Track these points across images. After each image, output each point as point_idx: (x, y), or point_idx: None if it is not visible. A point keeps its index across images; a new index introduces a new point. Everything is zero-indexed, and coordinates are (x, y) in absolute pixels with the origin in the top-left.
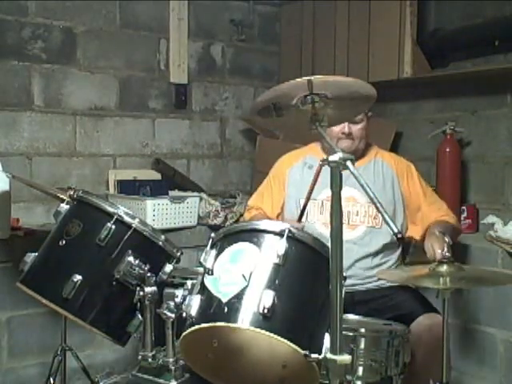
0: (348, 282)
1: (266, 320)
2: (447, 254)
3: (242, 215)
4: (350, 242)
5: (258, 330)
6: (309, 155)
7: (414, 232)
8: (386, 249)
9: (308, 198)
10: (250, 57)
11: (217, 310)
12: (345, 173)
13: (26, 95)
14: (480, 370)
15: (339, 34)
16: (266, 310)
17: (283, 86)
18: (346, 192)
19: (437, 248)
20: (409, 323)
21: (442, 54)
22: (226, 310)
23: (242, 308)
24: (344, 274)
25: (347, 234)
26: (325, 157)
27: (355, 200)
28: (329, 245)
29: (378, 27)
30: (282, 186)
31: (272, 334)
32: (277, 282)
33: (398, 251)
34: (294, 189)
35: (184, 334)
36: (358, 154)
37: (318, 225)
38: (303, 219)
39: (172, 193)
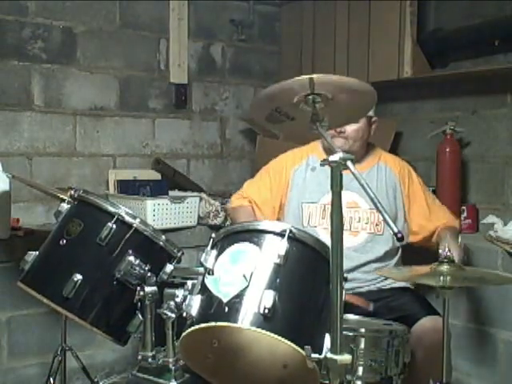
0: (347, 285)
1: (267, 320)
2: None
3: None
4: (350, 249)
5: (259, 330)
6: (311, 156)
7: (413, 239)
8: (386, 255)
9: None
10: (250, 57)
11: (217, 310)
12: (347, 177)
13: (25, 95)
14: (480, 369)
15: (339, 33)
16: (266, 310)
17: (283, 85)
18: (348, 197)
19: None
20: (410, 325)
21: (442, 54)
22: (226, 310)
23: (242, 308)
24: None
25: (349, 241)
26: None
27: (357, 205)
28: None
29: (377, 27)
30: (284, 186)
31: (273, 334)
32: (277, 282)
33: (398, 256)
34: (297, 192)
35: (184, 333)
36: (357, 157)
37: (320, 229)
38: (304, 223)
39: (172, 193)
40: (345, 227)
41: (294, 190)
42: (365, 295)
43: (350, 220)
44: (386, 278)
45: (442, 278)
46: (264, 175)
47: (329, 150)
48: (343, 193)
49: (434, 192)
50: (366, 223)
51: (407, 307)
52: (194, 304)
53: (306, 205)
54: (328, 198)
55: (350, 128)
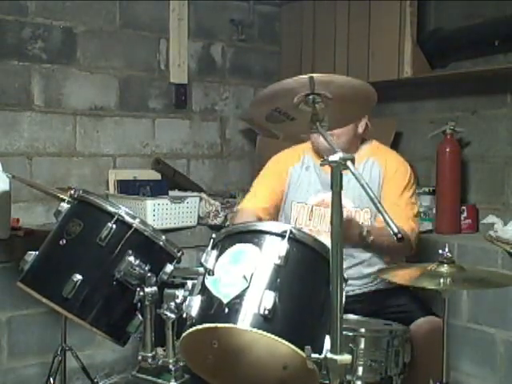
0: None
1: (267, 321)
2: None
3: None
4: None
5: (259, 331)
6: (306, 155)
7: None
8: (374, 257)
9: None
10: (250, 57)
11: (217, 310)
12: (345, 176)
13: (25, 95)
14: (480, 370)
15: (339, 33)
16: (266, 311)
17: (283, 85)
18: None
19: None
20: (407, 326)
21: (442, 54)
22: (226, 310)
23: (242, 309)
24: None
25: None
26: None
27: (343, 206)
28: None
29: (378, 27)
30: (283, 183)
31: (273, 336)
32: (278, 283)
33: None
34: (291, 191)
35: (184, 334)
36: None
37: (306, 231)
38: (292, 222)
39: (172, 193)
40: (327, 229)
41: (290, 189)
42: (361, 297)
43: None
44: (382, 280)
45: (442, 280)
46: (266, 177)
47: (317, 151)
48: (328, 194)
49: (433, 192)
50: None
51: (404, 308)
52: (194, 304)
53: (295, 204)
54: (316, 198)
55: None
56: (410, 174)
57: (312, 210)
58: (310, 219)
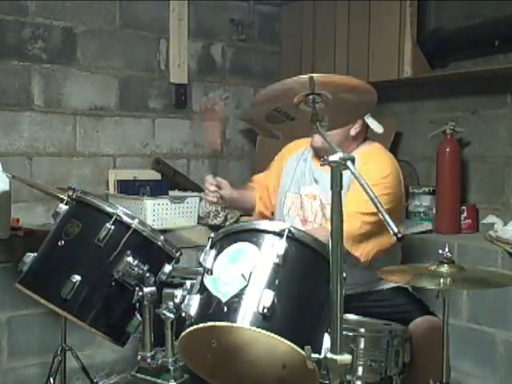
0: None
1: (266, 320)
2: None
3: (241, 215)
4: None
5: (258, 329)
6: (309, 147)
7: None
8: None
9: None
10: (250, 57)
11: (216, 309)
12: (327, 173)
13: (25, 95)
14: (480, 370)
15: (339, 33)
16: (265, 310)
17: (283, 85)
18: (327, 196)
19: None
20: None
21: (442, 54)
22: (225, 309)
23: (241, 308)
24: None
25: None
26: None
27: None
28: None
29: (378, 27)
30: (280, 171)
31: (272, 334)
32: (276, 281)
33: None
34: (286, 180)
35: (183, 334)
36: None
37: (297, 220)
38: (284, 212)
39: (172, 193)
40: (312, 219)
41: (284, 177)
42: (357, 297)
43: (323, 216)
44: (381, 280)
45: (442, 280)
46: (273, 163)
47: (314, 148)
48: (315, 187)
49: (433, 192)
50: None
51: (403, 308)
52: (193, 304)
53: (289, 194)
54: (308, 189)
55: None
56: (385, 178)
57: (302, 199)
58: (301, 209)
